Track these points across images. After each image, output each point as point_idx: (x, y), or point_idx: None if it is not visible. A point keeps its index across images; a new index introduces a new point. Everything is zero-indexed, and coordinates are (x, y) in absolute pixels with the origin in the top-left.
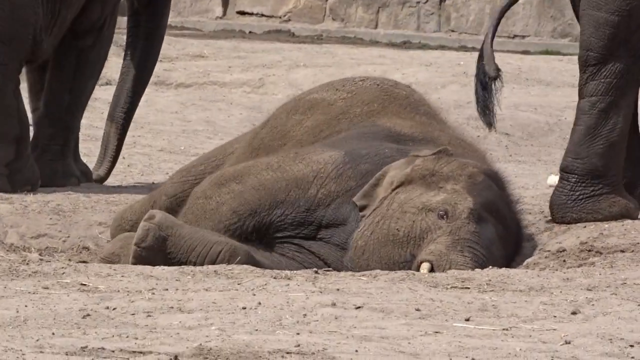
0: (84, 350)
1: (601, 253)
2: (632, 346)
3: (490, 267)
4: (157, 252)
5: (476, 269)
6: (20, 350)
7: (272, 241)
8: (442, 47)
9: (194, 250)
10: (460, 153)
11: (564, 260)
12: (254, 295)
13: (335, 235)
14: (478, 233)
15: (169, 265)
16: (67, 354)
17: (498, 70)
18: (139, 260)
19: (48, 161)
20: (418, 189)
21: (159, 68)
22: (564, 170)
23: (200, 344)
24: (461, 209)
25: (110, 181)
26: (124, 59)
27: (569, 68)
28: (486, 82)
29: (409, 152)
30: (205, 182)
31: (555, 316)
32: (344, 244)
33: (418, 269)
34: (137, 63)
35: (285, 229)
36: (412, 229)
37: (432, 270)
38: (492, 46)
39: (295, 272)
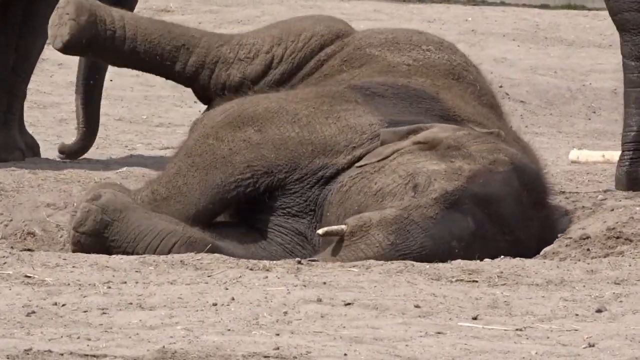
0: (28, 354)
1: (631, 240)
2: None
3: (501, 257)
4: (99, 238)
5: (485, 260)
6: None
7: (268, 217)
8: (447, 1)
9: (143, 240)
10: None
11: (588, 249)
12: (227, 289)
13: None
14: (435, 220)
15: (110, 254)
16: (7, 358)
17: None
18: (77, 246)
19: None
20: (430, 156)
21: None
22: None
23: (164, 346)
24: (436, 187)
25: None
26: None
27: (595, 25)
28: None
29: None
30: (218, 113)
31: (577, 314)
32: None
33: None
34: None
35: (295, 197)
36: (384, 188)
37: (343, 236)
38: None
39: (275, 262)
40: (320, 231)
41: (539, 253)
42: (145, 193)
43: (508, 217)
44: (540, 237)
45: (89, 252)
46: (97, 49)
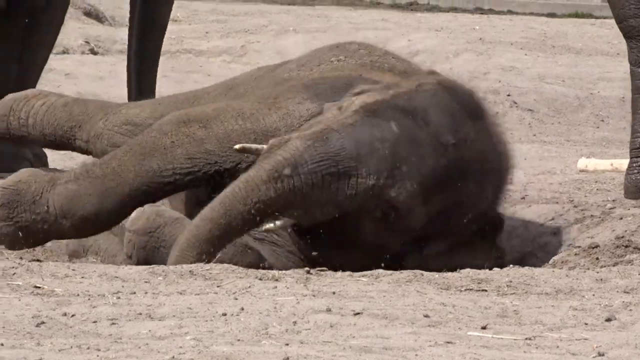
0: None
1: None
2: None
3: (510, 266)
4: (150, 238)
5: (495, 269)
6: None
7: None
8: (454, 10)
9: None
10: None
11: (597, 258)
12: (236, 299)
13: None
14: (354, 126)
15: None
16: None
17: None
18: (129, 247)
19: None
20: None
21: (123, 34)
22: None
23: (173, 357)
24: (356, 103)
25: (67, 166)
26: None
27: (602, 33)
28: None
29: None
30: (166, 117)
31: (586, 323)
32: None
33: None
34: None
35: None
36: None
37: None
38: None
39: (284, 272)
40: (237, 146)
41: (492, 169)
42: (79, 171)
43: (439, 124)
44: (487, 148)
45: (140, 254)
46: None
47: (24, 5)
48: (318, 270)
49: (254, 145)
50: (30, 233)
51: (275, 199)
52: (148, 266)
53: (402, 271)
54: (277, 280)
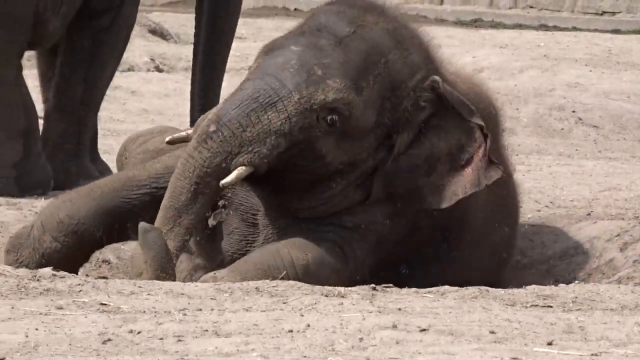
0: None
1: None
2: None
3: (575, 282)
4: None
5: (560, 285)
6: None
7: None
8: (519, 26)
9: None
10: None
11: None
12: (302, 315)
13: None
14: (259, 67)
15: None
16: None
17: None
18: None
19: (61, 161)
20: None
21: (187, 51)
22: None
23: None
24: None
25: None
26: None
27: None
28: None
29: None
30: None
31: None
32: None
33: None
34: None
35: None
36: None
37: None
38: None
39: (350, 289)
40: (167, 139)
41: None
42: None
43: (331, 22)
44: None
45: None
46: None
47: (90, 24)
48: (384, 286)
49: (182, 132)
50: (32, 265)
51: (213, 157)
52: (214, 283)
53: (468, 287)
54: (343, 296)
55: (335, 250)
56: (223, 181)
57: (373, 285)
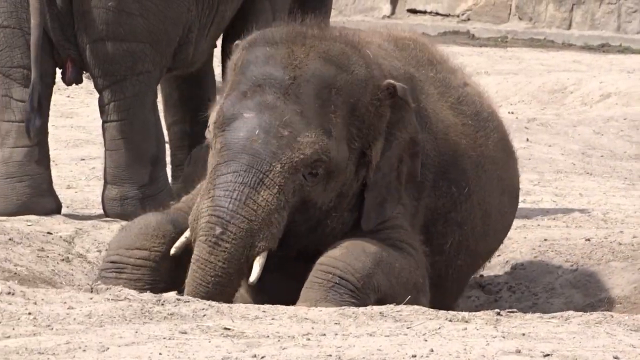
0: None
1: None
2: None
3: None
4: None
5: None
6: None
7: None
8: None
9: None
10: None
11: None
12: (426, 340)
13: None
14: (224, 145)
15: None
16: None
17: None
18: None
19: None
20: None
21: None
22: None
23: None
24: (212, 129)
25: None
26: None
27: None
28: None
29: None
30: None
31: None
32: None
33: None
34: None
35: None
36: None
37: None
38: None
39: (474, 314)
40: (172, 251)
41: None
42: None
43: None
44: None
45: None
46: None
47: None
48: (508, 311)
49: (181, 238)
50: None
51: (231, 257)
52: (339, 308)
53: (592, 313)
54: (467, 321)
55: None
56: (251, 280)
57: (497, 310)
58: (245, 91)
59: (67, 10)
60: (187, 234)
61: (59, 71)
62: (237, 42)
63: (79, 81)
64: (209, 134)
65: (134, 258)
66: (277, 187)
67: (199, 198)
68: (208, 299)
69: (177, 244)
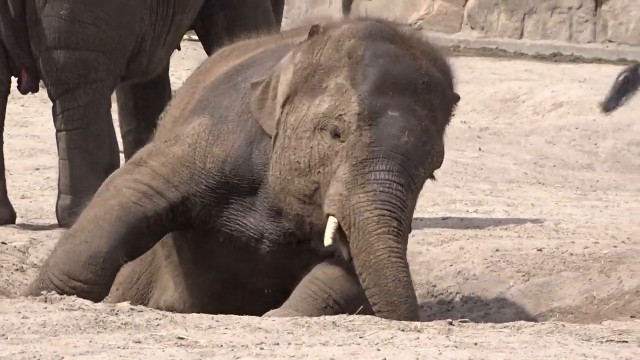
0: None
1: None
2: None
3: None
4: None
5: (635, 320)
6: None
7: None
8: (597, 60)
9: None
10: (330, 23)
11: None
12: (379, 350)
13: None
14: (376, 139)
15: None
16: None
17: None
18: None
19: None
20: (304, 101)
21: None
22: None
23: None
24: (348, 118)
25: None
26: None
27: None
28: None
29: (265, 63)
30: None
31: None
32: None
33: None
34: None
35: (203, 207)
36: (311, 157)
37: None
38: None
39: (426, 323)
40: None
41: None
42: None
43: (421, 63)
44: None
45: None
46: None
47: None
48: (460, 321)
49: (330, 226)
50: None
51: (405, 247)
52: (292, 317)
53: (544, 322)
54: (419, 331)
55: None
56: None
57: (450, 320)
58: (380, 86)
59: (20, 19)
60: (332, 221)
61: (14, 80)
62: (326, 26)
63: (34, 90)
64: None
65: (77, 289)
66: (418, 190)
67: (343, 189)
68: (408, 281)
69: (330, 234)
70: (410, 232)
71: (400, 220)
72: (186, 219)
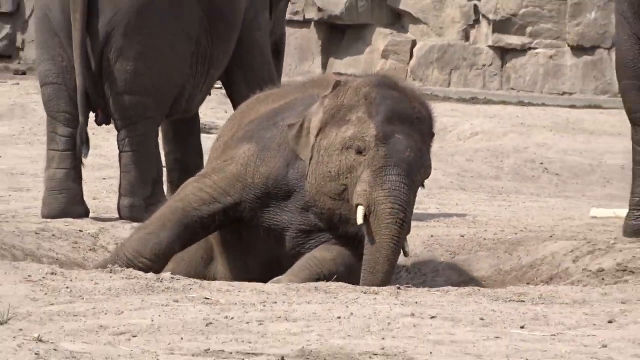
0: (207, 352)
1: (634, 272)
2: None
3: (542, 284)
4: None
5: (530, 286)
6: (155, 352)
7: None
8: (503, 103)
9: None
10: (348, 79)
11: (603, 279)
12: (347, 307)
13: (292, 200)
14: (389, 153)
15: None
16: (193, 355)
17: None
18: None
19: None
20: (333, 130)
21: None
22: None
23: (303, 347)
24: (368, 139)
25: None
26: None
27: (608, 120)
28: None
29: (295, 108)
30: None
31: (594, 324)
32: (303, 205)
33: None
34: None
35: (251, 210)
36: (341, 167)
37: (366, 214)
38: None
39: (382, 288)
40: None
41: None
42: None
43: (416, 108)
44: (429, 108)
45: None
46: None
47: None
48: (405, 286)
49: (360, 212)
50: None
51: (405, 235)
52: (286, 284)
53: (465, 288)
54: (376, 294)
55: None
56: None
57: (398, 285)
58: (389, 118)
59: (99, 73)
60: (361, 209)
61: (92, 115)
62: (349, 79)
63: (107, 123)
64: (352, 138)
65: (143, 264)
66: (416, 191)
67: (367, 187)
68: (394, 261)
69: (360, 218)
70: (412, 215)
71: (406, 212)
72: (237, 219)
